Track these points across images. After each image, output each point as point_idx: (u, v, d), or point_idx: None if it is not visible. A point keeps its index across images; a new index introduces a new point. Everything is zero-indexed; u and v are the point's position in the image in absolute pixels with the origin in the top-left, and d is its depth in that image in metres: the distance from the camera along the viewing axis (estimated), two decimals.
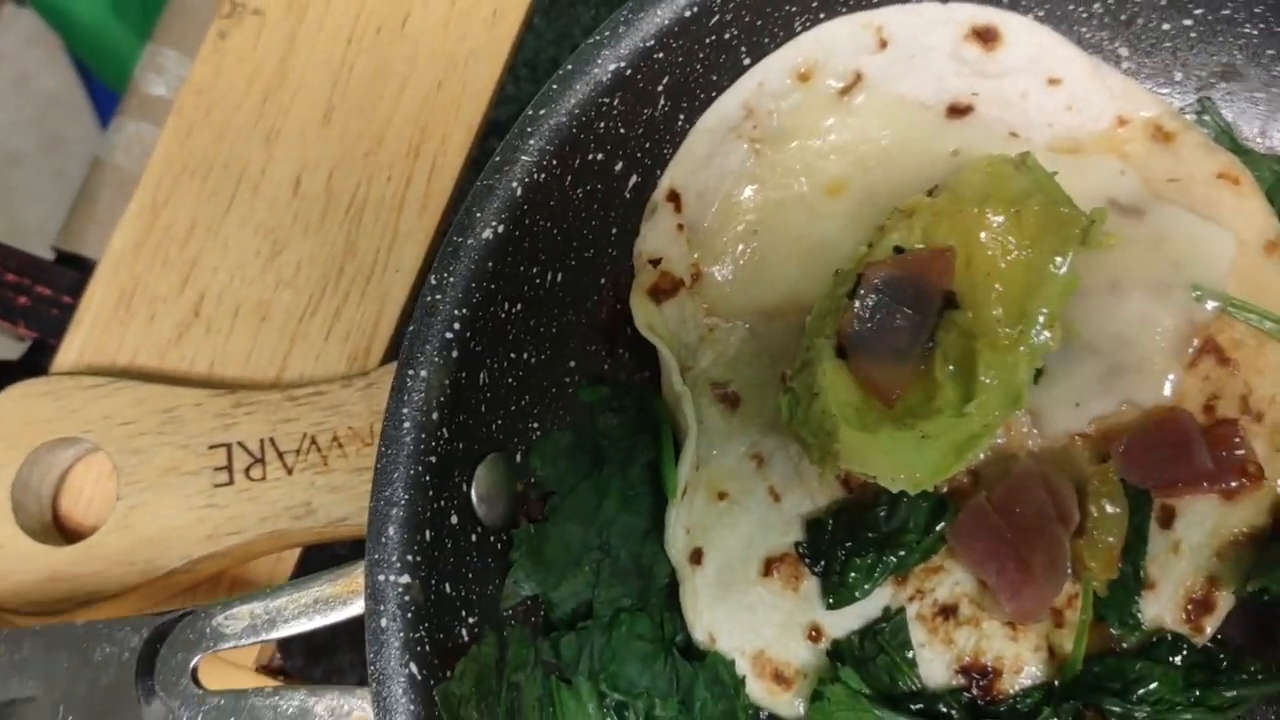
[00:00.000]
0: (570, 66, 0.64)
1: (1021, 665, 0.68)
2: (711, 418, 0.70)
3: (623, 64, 0.64)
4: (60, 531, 0.79)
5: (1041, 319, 0.61)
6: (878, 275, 0.63)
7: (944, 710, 0.66)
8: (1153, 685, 0.66)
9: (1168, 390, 0.67)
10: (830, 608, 0.68)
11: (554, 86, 0.64)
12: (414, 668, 0.60)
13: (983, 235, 0.63)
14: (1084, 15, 0.72)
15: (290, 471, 0.75)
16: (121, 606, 0.75)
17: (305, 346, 0.81)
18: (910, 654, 0.68)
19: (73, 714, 0.62)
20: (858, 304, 0.63)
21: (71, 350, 0.82)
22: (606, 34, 0.64)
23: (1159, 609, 0.67)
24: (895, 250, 0.64)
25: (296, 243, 0.83)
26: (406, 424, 0.61)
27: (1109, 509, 0.65)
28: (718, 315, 0.72)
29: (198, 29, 0.89)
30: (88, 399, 0.77)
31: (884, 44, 0.70)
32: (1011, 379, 0.61)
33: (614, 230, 0.70)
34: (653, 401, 0.70)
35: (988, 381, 0.61)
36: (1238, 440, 0.66)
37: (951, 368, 0.62)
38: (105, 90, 1.75)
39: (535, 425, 0.69)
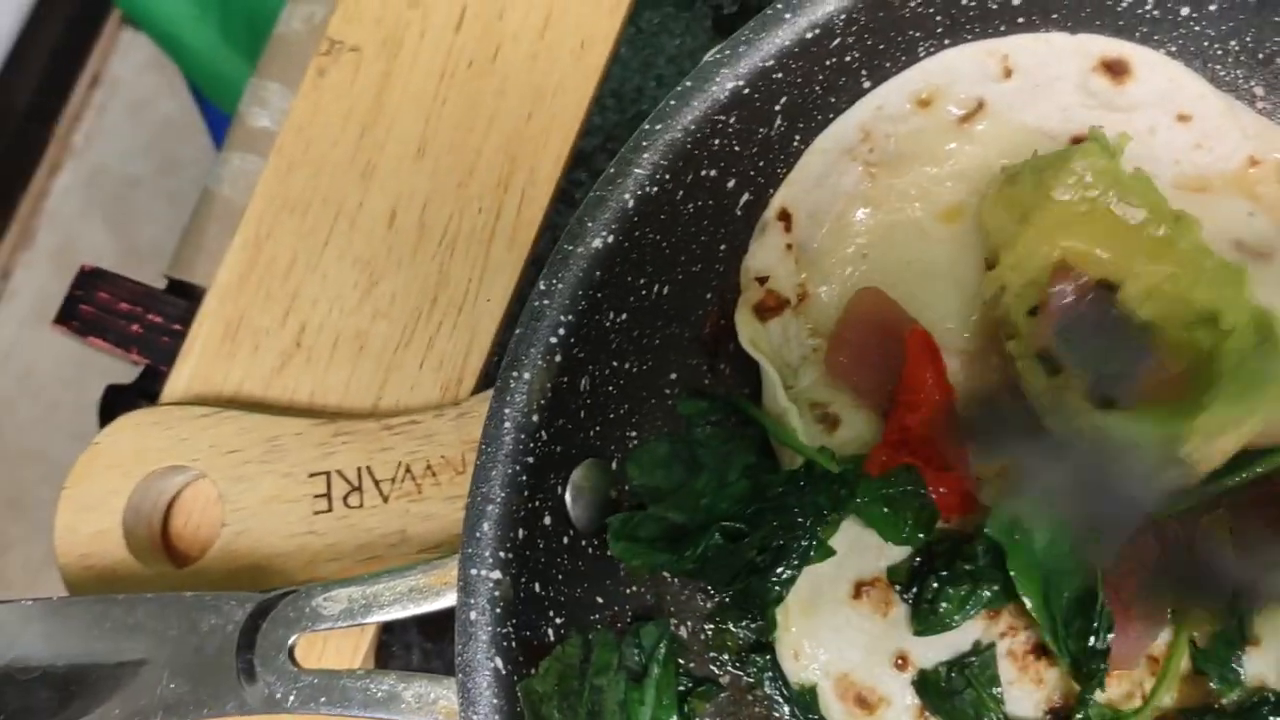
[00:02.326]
0: (689, 83, 0.65)
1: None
2: (811, 436, 0.70)
3: (741, 83, 0.65)
4: (169, 556, 0.82)
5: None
6: (1063, 281, 0.64)
7: None
8: None
9: None
10: (918, 634, 0.67)
11: (671, 102, 0.65)
12: (499, 662, 0.61)
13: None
14: (1219, 52, 0.70)
15: (386, 499, 0.77)
16: None
17: (400, 376, 0.83)
18: (998, 690, 0.67)
19: (177, 679, 0.65)
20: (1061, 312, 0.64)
21: (181, 380, 0.85)
22: (727, 53, 0.65)
23: (1262, 666, 0.64)
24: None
25: (391, 275, 0.85)
26: (507, 424, 0.62)
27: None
28: (822, 336, 0.72)
29: (298, 62, 0.93)
30: (195, 429, 0.80)
31: (1009, 73, 0.70)
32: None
33: (722, 246, 0.71)
34: (755, 415, 0.71)
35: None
36: None
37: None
38: (219, 114, 1.82)
39: (633, 434, 0.70)
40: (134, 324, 0.93)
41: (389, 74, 0.89)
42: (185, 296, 0.94)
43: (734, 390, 0.73)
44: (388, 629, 0.82)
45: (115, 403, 0.90)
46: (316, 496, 0.77)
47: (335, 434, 0.78)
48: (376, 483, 0.77)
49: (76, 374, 2.14)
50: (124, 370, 0.96)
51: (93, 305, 0.94)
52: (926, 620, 0.67)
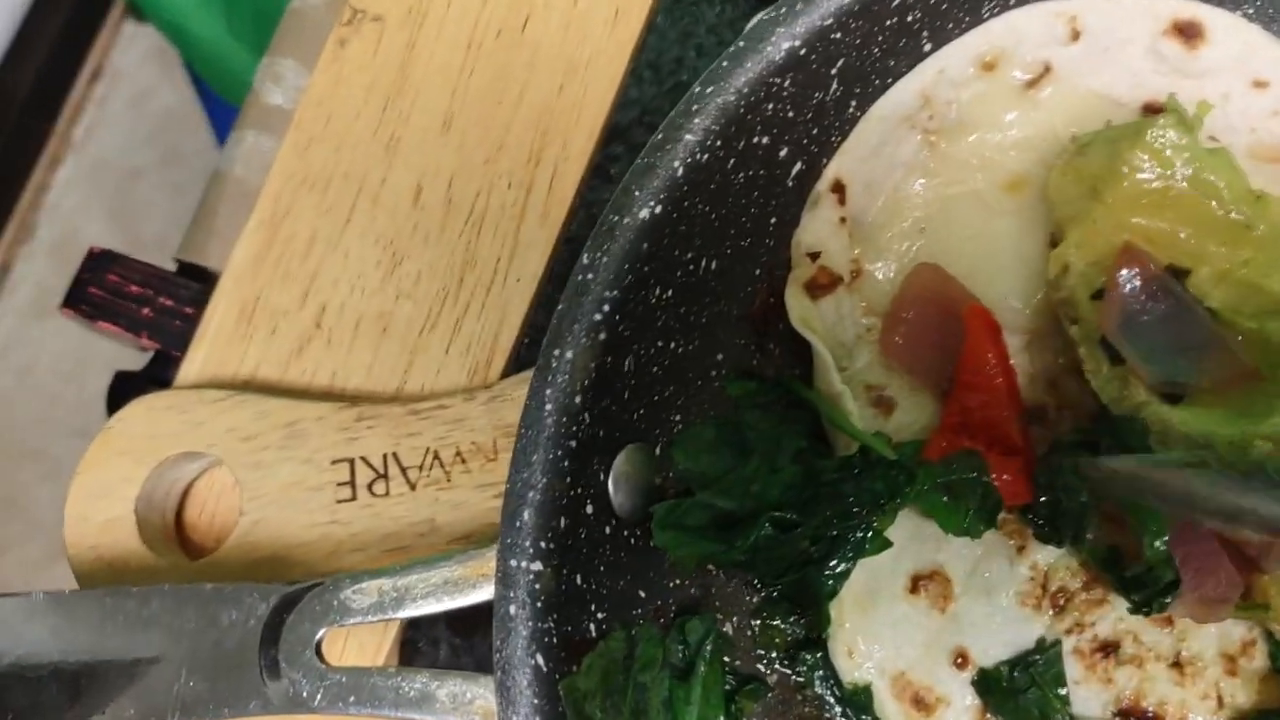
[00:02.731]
0: (742, 44, 0.61)
1: (1186, 714, 0.63)
2: (865, 420, 0.67)
3: (797, 43, 0.61)
4: (183, 547, 0.78)
5: None
6: (1128, 266, 0.60)
7: None
8: None
9: None
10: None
11: (724, 64, 0.61)
12: (540, 659, 0.57)
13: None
14: None
15: (414, 487, 0.73)
16: None
17: (426, 359, 0.79)
18: (1064, 690, 0.63)
19: (195, 677, 0.61)
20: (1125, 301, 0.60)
21: (195, 364, 0.81)
22: (783, 11, 0.61)
23: None
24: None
25: (416, 253, 0.81)
26: (549, 405, 0.59)
27: None
28: (877, 315, 0.68)
29: (314, 38, 0.88)
30: (211, 413, 0.76)
31: (1077, 35, 0.66)
32: None
33: (773, 220, 0.67)
34: (807, 397, 0.67)
35: None
36: None
37: None
38: (221, 105, 1.80)
39: (678, 417, 0.66)
40: (145, 307, 0.89)
41: (414, 44, 0.85)
42: (198, 279, 0.90)
43: (784, 371, 0.69)
44: (413, 624, 0.78)
45: (124, 390, 0.86)
46: (339, 484, 0.73)
47: (358, 419, 0.74)
48: (403, 469, 0.73)
49: (76, 369, 2.10)
50: (131, 359, 0.93)
51: (102, 289, 0.91)
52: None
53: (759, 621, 0.68)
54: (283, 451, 0.74)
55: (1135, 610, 0.61)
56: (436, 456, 0.73)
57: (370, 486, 0.73)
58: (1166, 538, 0.59)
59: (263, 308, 0.81)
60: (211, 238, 0.95)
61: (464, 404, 0.74)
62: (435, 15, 0.85)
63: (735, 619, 0.68)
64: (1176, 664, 0.63)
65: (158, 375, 0.86)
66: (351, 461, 0.74)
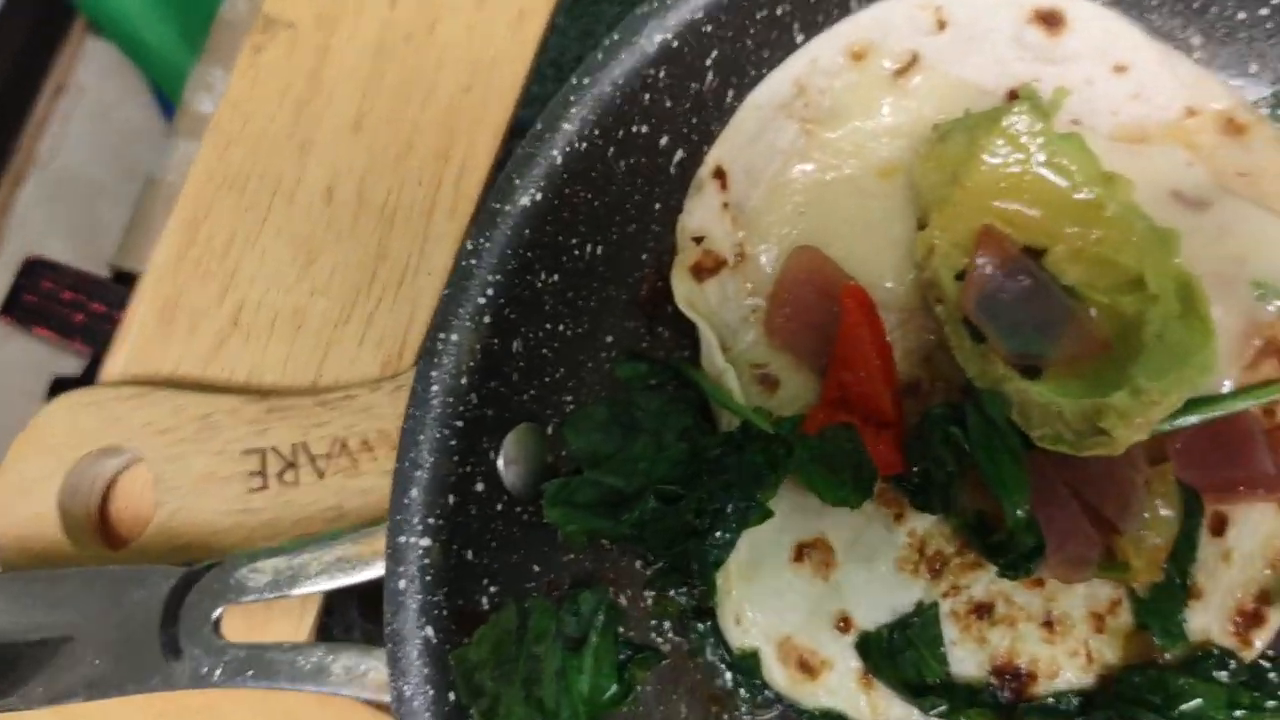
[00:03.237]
0: (616, 36, 0.63)
1: (1057, 670, 0.66)
2: (750, 398, 0.69)
3: (669, 36, 0.64)
4: (108, 539, 0.80)
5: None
6: (986, 248, 0.63)
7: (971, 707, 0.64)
8: (1196, 701, 0.63)
9: (1225, 387, 0.64)
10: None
11: (599, 56, 0.63)
12: (430, 631, 0.60)
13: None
14: (1154, 2, 0.69)
15: (322, 475, 0.75)
16: None
17: (340, 352, 0.81)
18: (941, 650, 0.66)
19: (102, 655, 0.63)
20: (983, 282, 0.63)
21: (118, 363, 0.83)
22: (655, 5, 0.63)
23: (1206, 620, 0.64)
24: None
25: (330, 250, 0.83)
26: (435, 387, 0.61)
27: (1161, 510, 0.62)
28: (761, 296, 0.70)
29: (241, 46, 0.90)
30: (129, 409, 0.78)
31: (943, 25, 0.69)
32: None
33: (657, 205, 0.70)
34: (693, 377, 0.69)
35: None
36: None
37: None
38: None
39: (569, 398, 0.69)
40: (78, 313, 0.91)
41: (326, 49, 0.87)
42: (130, 285, 0.92)
43: (673, 353, 0.72)
44: (328, 611, 0.80)
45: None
46: (251, 474, 0.75)
47: (269, 410, 0.76)
48: (312, 458, 0.75)
49: (35, 382, 2.10)
50: (70, 362, 0.94)
51: (36, 294, 0.93)
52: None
53: (652, 593, 0.70)
54: (197, 444, 0.77)
55: (1002, 574, 0.64)
56: (344, 445, 0.75)
57: (281, 475, 0.75)
58: (1027, 505, 0.61)
59: (183, 306, 0.83)
60: (146, 242, 0.97)
61: (371, 394, 0.76)
62: (346, 21, 0.88)
63: (629, 591, 0.70)
64: (1047, 623, 0.66)
65: (94, 379, 0.87)
66: (263, 452, 0.76)
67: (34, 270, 0.95)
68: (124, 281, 0.96)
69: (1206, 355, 0.59)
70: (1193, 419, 0.62)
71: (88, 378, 0.92)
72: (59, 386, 0.96)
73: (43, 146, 2.25)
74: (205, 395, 0.78)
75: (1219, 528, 0.64)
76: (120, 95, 2.25)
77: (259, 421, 0.77)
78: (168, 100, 1.91)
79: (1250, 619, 0.63)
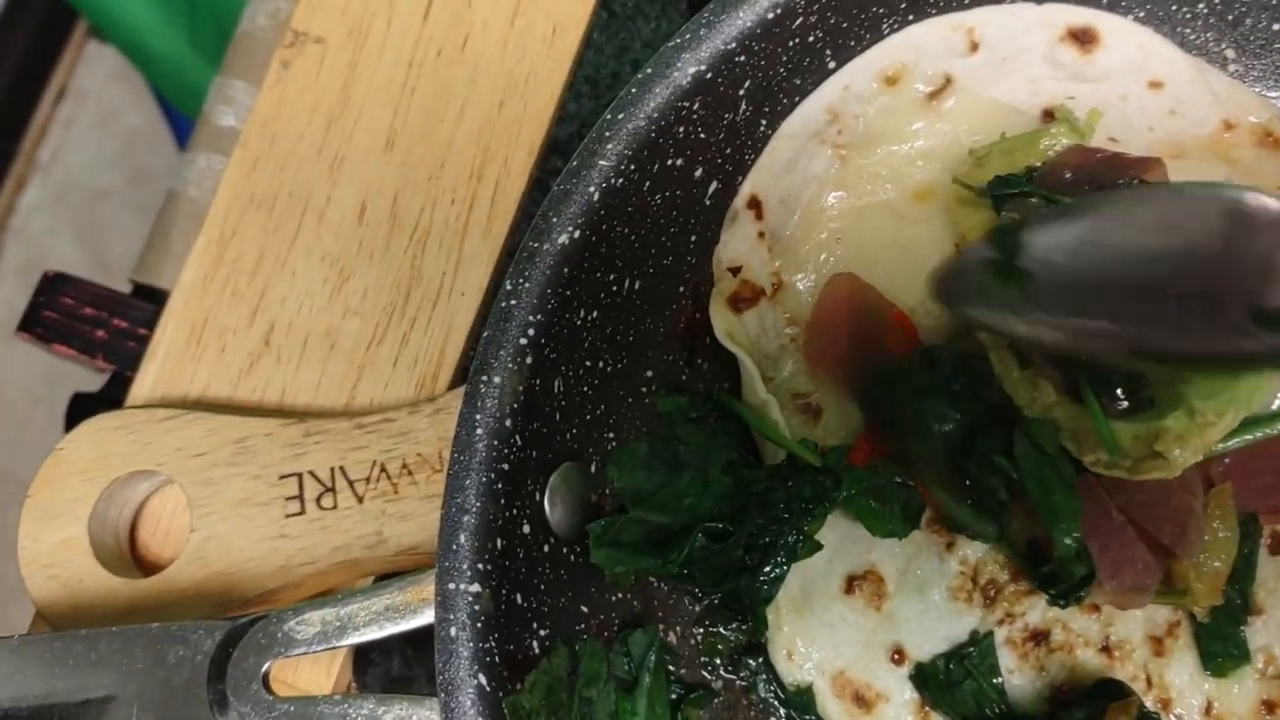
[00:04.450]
0: (650, 70, 0.63)
1: None
2: (793, 429, 0.69)
3: (703, 67, 0.63)
4: (138, 564, 0.79)
5: None
6: None
7: None
8: None
9: (1275, 406, 0.63)
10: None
11: (633, 90, 0.63)
12: (483, 679, 0.59)
13: None
14: (1187, 16, 0.69)
15: (361, 500, 0.74)
16: None
17: (373, 374, 0.81)
18: (999, 680, 0.65)
19: (146, 714, 0.62)
20: None
21: (145, 384, 0.82)
22: (687, 36, 0.63)
23: (1267, 638, 0.63)
24: None
25: (362, 270, 0.83)
26: (480, 430, 0.60)
27: (1220, 533, 0.61)
28: (800, 325, 0.70)
29: (264, 59, 0.90)
30: (160, 431, 0.77)
31: (975, 46, 0.68)
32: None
33: (693, 238, 0.69)
34: (735, 409, 0.68)
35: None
36: None
37: None
38: (188, 122, 1.80)
39: (611, 435, 0.68)
40: (99, 329, 0.90)
41: (355, 64, 0.87)
42: (152, 300, 0.91)
43: (713, 385, 0.71)
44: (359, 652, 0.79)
45: (82, 411, 0.87)
46: (288, 499, 0.74)
47: (306, 434, 0.76)
48: (350, 483, 0.74)
49: (47, 390, 2.10)
50: (89, 378, 0.94)
51: (56, 311, 0.92)
52: None
53: (702, 630, 0.69)
54: (232, 468, 0.76)
55: (1054, 603, 0.63)
56: (383, 469, 0.74)
57: (318, 500, 0.74)
58: (1077, 534, 0.60)
59: (212, 327, 0.83)
60: (166, 258, 0.96)
61: (409, 417, 0.75)
62: (376, 36, 0.87)
63: (679, 629, 0.69)
64: (1105, 648, 0.65)
65: (116, 396, 0.86)
66: (300, 476, 0.75)
67: (53, 286, 0.94)
68: (145, 296, 0.95)
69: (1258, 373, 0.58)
70: (1246, 438, 0.62)
71: (108, 394, 0.91)
72: (78, 402, 0.95)
73: (44, 151, 2.25)
74: (239, 418, 0.77)
75: (1278, 548, 0.64)
76: (123, 101, 2.25)
77: (296, 445, 0.76)
78: (173, 108, 1.91)
79: None
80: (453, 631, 0.59)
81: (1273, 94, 0.70)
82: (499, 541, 0.60)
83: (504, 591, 0.61)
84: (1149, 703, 0.63)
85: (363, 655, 0.80)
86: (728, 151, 0.68)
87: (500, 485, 0.60)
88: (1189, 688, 0.63)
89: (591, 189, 0.62)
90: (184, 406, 0.79)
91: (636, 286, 0.67)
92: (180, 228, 0.97)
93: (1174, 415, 0.58)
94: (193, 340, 0.82)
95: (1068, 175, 0.61)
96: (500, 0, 0.87)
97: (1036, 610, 0.66)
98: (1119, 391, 0.60)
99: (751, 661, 0.68)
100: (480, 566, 0.59)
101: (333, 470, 0.75)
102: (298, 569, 0.74)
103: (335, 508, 0.74)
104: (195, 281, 0.83)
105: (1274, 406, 0.63)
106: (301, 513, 0.74)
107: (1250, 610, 0.63)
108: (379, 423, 0.76)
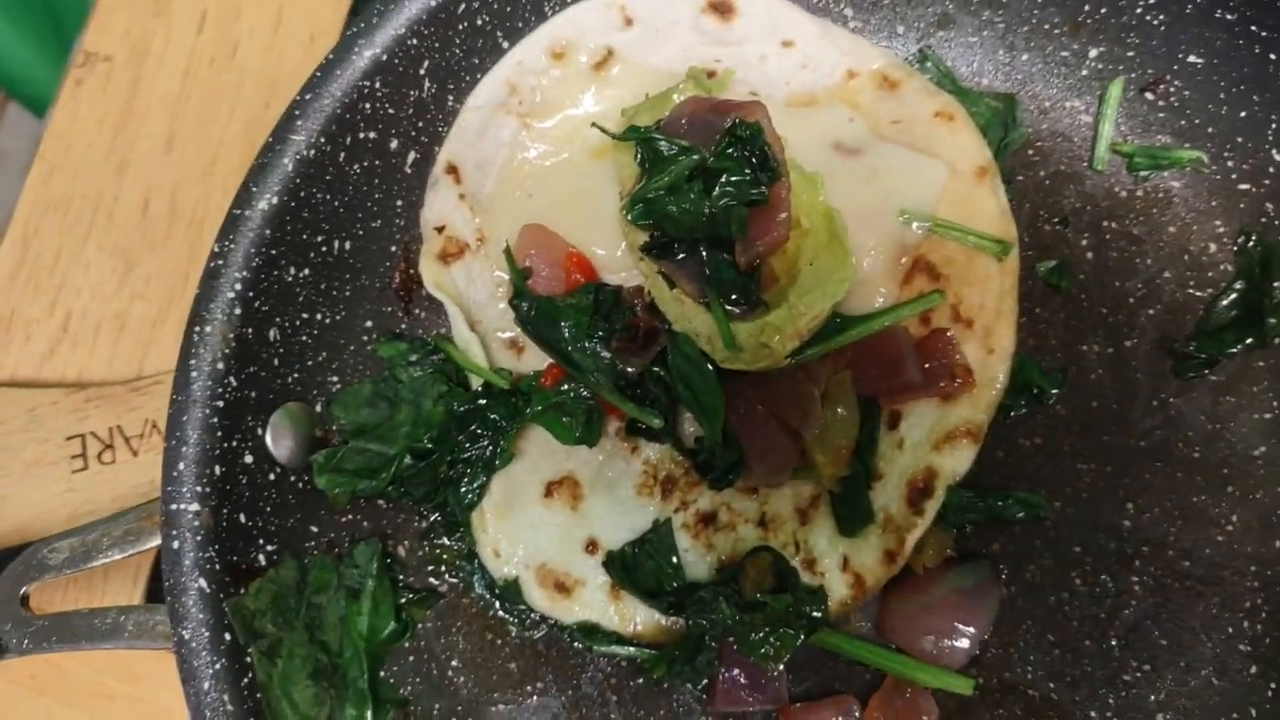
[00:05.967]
0: (332, 56, 0.73)
1: None
2: (501, 363, 0.78)
3: (379, 50, 0.73)
4: None
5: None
6: None
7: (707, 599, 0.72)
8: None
9: (879, 303, 0.74)
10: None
11: (317, 74, 0.73)
12: (204, 583, 0.68)
13: None
14: None
15: (136, 454, 0.85)
16: None
17: (159, 349, 0.92)
18: (675, 559, 0.74)
19: None
20: None
21: None
22: (362, 25, 0.73)
23: (885, 498, 0.73)
24: None
25: (147, 259, 0.94)
26: (194, 374, 0.69)
27: (839, 412, 0.71)
28: (504, 272, 0.79)
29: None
30: None
31: (630, 21, 0.79)
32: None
33: (399, 203, 0.79)
34: (445, 349, 0.78)
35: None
36: (948, 347, 0.73)
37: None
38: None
39: (335, 379, 0.77)
40: None
41: (138, 78, 0.98)
42: None
43: (429, 330, 0.81)
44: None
45: None
46: (73, 457, 0.85)
47: (88, 399, 0.86)
48: (127, 439, 0.85)
49: None
50: None
51: None
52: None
53: (427, 544, 0.79)
54: (25, 435, 0.86)
55: (713, 486, 0.73)
56: (155, 426, 0.85)
57: (100, 456, 0.85)
58: (721, 425, 0.71)
59: (17, 319, 0.93)
60: None
61: None
62: (156, 50, 0.99)
63: (407, 544, 0.78)
64: (762, 523, 0.75)
65: None
66: (83, 436, 0.85)
67: None
68: None
69: (845, 271, 0.69)
70: (853, 334, 0.72)
71: None
72: None
73: None
74: (29, 390, 0.87)
75: (894, 422, 0.74)
76: None
77: (79, 410, 0.86)
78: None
79: (921, 493, 0.73)
80: (175, 545, 0.68)
81: (887, 44, 0.81)
82: (217, 468, 0.69)
83: (225, 511, 0.70)
84: (797, 564, 0.73)
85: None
86: (420, 124, 0.78)
87: (217, 420, 0.70)
88: (828, 549, 0.73)
89: (286, 160, 0.72)
90: None
91: (347, 247, 0.77)
92: None
93: (776, 312, 0.68)
94: (1, 330, 0.92)
95: (684, 121, 0.71)
96: (264, 10, 0.98)
97: (705, 497, 0.75)
98: (734, 297, 0.70)
99: (466, 565, 0.78)
100: (199, 489, 0.69)
101: (111, 430, 0.85)
102: (83, 518, 0.83)
103: (114, 462, 0.84)
104: (2, 279, 0.93)
105: (875, 308, 0.74)
106: (85, 469, 0.84)
107: (873, 476, 0.73)
108: (151, 385, 0.86)
